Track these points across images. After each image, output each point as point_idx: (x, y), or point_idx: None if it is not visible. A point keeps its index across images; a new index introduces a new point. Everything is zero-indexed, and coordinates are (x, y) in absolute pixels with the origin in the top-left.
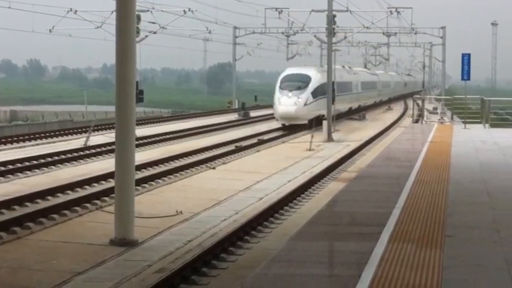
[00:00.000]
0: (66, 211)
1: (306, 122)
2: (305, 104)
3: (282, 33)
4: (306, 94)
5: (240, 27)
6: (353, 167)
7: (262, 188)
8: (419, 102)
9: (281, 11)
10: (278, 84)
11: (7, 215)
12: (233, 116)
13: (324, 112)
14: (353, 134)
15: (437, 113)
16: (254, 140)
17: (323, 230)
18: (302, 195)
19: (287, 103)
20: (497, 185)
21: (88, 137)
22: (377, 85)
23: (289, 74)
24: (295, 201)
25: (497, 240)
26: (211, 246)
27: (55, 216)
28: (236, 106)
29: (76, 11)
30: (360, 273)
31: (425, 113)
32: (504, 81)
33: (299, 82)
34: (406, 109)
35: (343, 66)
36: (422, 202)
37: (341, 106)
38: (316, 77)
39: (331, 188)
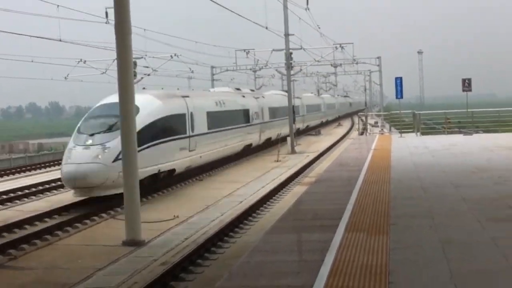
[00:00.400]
0: (86, 221)
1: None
2: (116, 159)
3: (250, 69)
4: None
5: (216, 66)
6: (313, 173)
7: (241, 194)
8: (363, 118)
9: (248, 51)
10: (78, 125)
11: (40, 226)
12: None
13: (167, 165)
14: (311, 146)
15: (378, 126)
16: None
17: (291, 225)
18: (274, 197)
19: (79, 158)
20: (430, 182)
21: None
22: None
23: (105, 104)
24: (268, 202)
25: (432, 226)
26: (203, 242)
27: (78, 225)
28: None
29: (85, 61)
30: (323, 258)
31: (368, 126)
32: (431, 98)
33: (113, 119)
34: (353, 124)
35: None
36: (370, 198)
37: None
38: (150, 108)
39: (296, 191)
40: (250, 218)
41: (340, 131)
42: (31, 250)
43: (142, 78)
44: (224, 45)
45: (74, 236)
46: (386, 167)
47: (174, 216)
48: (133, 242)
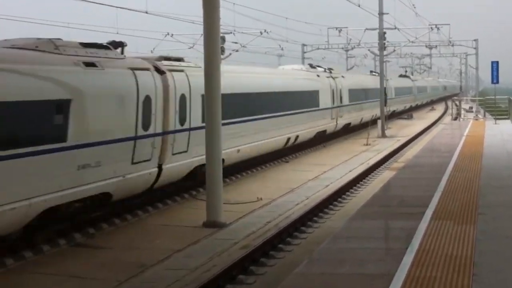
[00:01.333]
0: (168, 200)
1: None
2: None
3: (342, 48)
4: None
5: (307, 44)
6: (402, 158)
7: (327, 177)
8: (457, 102)
9: (341, 30)
10: None
11: (119, 204)
12: None
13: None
14: (402, 130)
15: (472, 112)
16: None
17: (377, 211)
18: (361, 182)
19: None
20: None
21: None
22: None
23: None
24: (354, 187)
25: None
26: (286, 226)
27: (158, 204)
28: None
29: (172, 34)
30: (407, 246)
31: (462, 112)
32: None
33: None
34: (446, 108)
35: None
36: (459, 186)
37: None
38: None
39: (384, 176)
40: (335, 202)
41: (433, 115)
42: (109, 229)
43: (230, 54)
44: (316, 22)
45: (153, 215)
46: (477, 154)
47: (258, 198)
48: (214, 224)
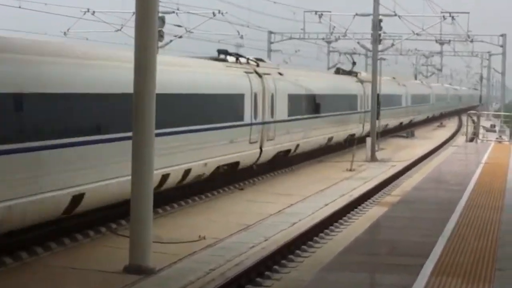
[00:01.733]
0: (77, 234)
1: None
2: None
3: (323, 39)
4: None
5: (275, 32)
6: (398, 190)
7: (295, 212)
8: (475, 118)
9: (322, 14)
10: None
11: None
12: None
13: None
14: (399, 153)
15: (494, 131)
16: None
17: (359, 260)
18: (340, 221)
19: None
20: None
21: None
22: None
23: None
24: (331, 227)
25: None
26: (236, 276)
27: (65, 239)
28: None
29: (94, 12)
30: None
31: (481, 131)
32: None
33: None
34: (460, 125)
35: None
36: (472, 231)
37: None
38: None
39: (372, 213)
40: (304, 247)
41: (441, 134)
42: None
43: (171, 41)
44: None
45: (58, 254)
46: (499, 190)
47: (200, 236)
48: (139, 269)
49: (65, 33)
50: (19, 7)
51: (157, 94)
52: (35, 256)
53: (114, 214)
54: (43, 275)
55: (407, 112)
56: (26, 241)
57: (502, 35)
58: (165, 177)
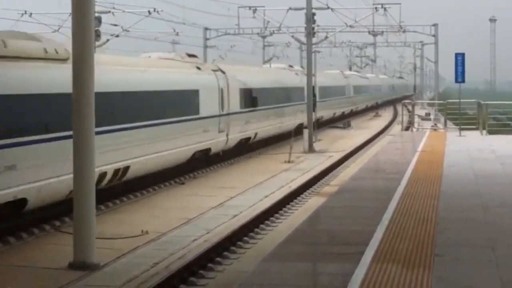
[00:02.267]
0: (22, 233)
1: None
2: None
3: (258, 34)
4: None
5: (211, 28)
6: (336, 180)
7: (236, 204)
8: (409, 107)
9: (256, 9)
10: None
11: None
12: None
13: None
14: (336, 143)
15: (429, 119)
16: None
17: (299, 250)
18: (280, 212)
19: None
20: (494, 199)
21: None
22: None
23: None
24: (272, 218)
25: (492, 259)
26: (180, 268)
27: (9, 238)
28: None
29: (31, 13)
30: None
31: (416, 119)
32: (506, 83)
33: None
34: (395, 115)
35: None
36: (410, 218)
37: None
38: None
39: (311, 203)
40: (245, 238)
41: (377, 123)
42: None
43: (108, 40)
44: None
45: (2, 253)
46: (435, 177)
47: (142, 231)
48: (84, 265)
49: None
50: None
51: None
52: None
53: (58, 211)
54: None
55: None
56: None
57: (434, 25)
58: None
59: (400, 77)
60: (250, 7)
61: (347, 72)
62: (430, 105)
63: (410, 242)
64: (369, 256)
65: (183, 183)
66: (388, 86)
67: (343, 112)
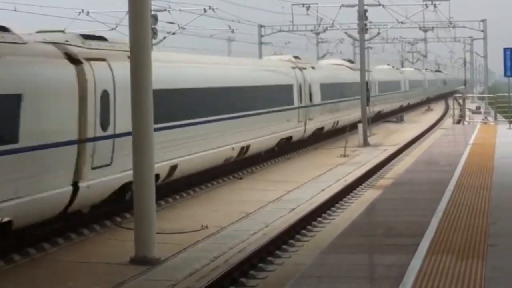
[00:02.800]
0: (83, 229)
1: None
2: None
3: (311, 30)
4: None
5: (265, 26)
6: (390, 173)
7: (293, 198)
8: (461, 101)
9: (309, 7)
10: None
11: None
12: None
13: None
14: (390, 137)
15: (480, 113)
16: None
17: (357, 242)
18: (337, 205)
19: None
20: None
21: None
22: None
23: None
24: (329, 211)
25: None
26: (239, 262)
27: (71, 234)
28: None
29: (88, 12)
30: None
31: (467, 113)
32: None
33: None
34: (447, 109)
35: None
36: (463, 209)
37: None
38: None
39: (367, 196)
40: (303, 231)
41: (429, 118)
42: (7, 267)
43: (164, 38)
44: None
45: (65, 249)
46: (487, 168)
47: (202, 226)
48: (145, 260)
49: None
50: (15, 10)
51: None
52: (43, 252)
53: (119, 208)
54: (51, 270)
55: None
56: (34, 237)
57: (482, 21)
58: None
59: (438, 71)
60: (303, 5)
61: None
62: (480, 99)
63: (463, 233)
64: (424, 247)
65: (241, 178)
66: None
67: (401, 106)
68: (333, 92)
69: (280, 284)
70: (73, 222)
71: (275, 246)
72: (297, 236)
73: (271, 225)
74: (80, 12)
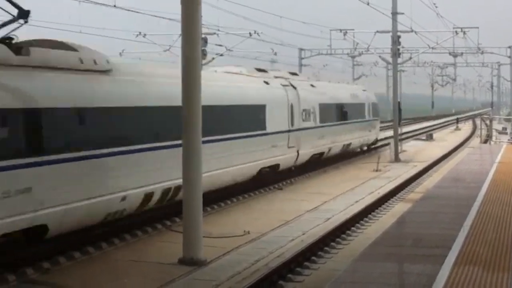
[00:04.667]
0: (137, 231)
1: None
2: None
3: (347, 54)
4: None
5: (305, 49)
6: (420, 188)
7: (328, 208)
8: (488, 122)
9: (346, 32)
10: None
11: (81, 233)
12: None
13: None
14: (420, 154)
15: (506, 133)
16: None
17: (387, 252)
18: (369, 216)
19: None
20: None
21: None
22: None
23: None
24: (361, 221)
25: None
26: (278, 266)
27: (126, 235)
28: None
29: (145, 34)
30: None
31: (494, 133)
32: None
33: None
34: (474, 129)
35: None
36: (491, 223)
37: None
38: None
39: (397, 209)
40: (338, 240)
41: (457, 137)
42: (67, 264)
43: (213, 58)
44: (316, 22)
45: (120, 248)
46: None
47: (244, 231)
48: (192, 261)
49: (120, 54)
50: (80, 31)
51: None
52: (100, 251)
53: (168, 212)
54: (108, 267)
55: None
56: (92, 237)
57: (509, 47)
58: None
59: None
60: (341, 30)
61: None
62: (506, 120)
63: (490, 246)
64: (452, 258)
65: (281, 188)
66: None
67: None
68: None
69: None
70: (126, 224)
71: (311, 252)
72: (332, 243)
73: (308, 233)
74: (137, 35)
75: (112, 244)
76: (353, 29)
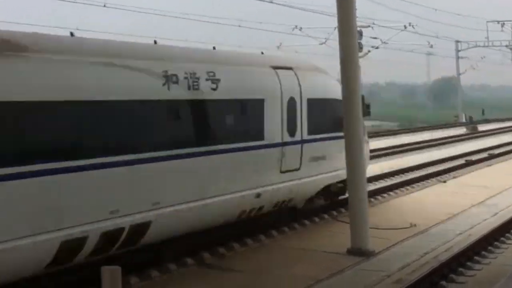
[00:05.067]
0: (305, 220)
1: None
2: None
3: (506, 46)
4: None
5: (462, 41)
6: None
7: (495, 203)
8: None
9: (504, 23)
10: None
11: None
12: (461, 130)
13: None
14: None
15: None
16: (485, 154)
17: None
18: None
19: None
20: None
21: None
22: None
23: None
24: None
25: None
26: (448, 259)
27: (295, 224)
28: (463, 120)
29: (301, 28)
30: None
31: None
32: None
33: None
34: None
35: None
36: None
37: None
38: None
39: None
40: (508, 235)
41: None
42: (241, 250)
43: (369, 51)
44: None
45: (290, 237)
46: None
47: (411, 224)
48: (360, 252)
49: (278, 47)
50: (239, 26)
51: None
52: (271, 238)
53: (335, 202)
54: (278, 255)
55: None
56: (265, 225)
57: None
58: None
59: None
60: (498, 21)
61: None
62: None
63: None
64: None
65: (445, 181)
66: None
67: None
68: None
69: (489, 283)
70: (294, 213)
71: (481, 246)
72: (502, 238)
73: (475, 227)
74: (294, 28)
75: (282, 233)
76: (510, 20)
